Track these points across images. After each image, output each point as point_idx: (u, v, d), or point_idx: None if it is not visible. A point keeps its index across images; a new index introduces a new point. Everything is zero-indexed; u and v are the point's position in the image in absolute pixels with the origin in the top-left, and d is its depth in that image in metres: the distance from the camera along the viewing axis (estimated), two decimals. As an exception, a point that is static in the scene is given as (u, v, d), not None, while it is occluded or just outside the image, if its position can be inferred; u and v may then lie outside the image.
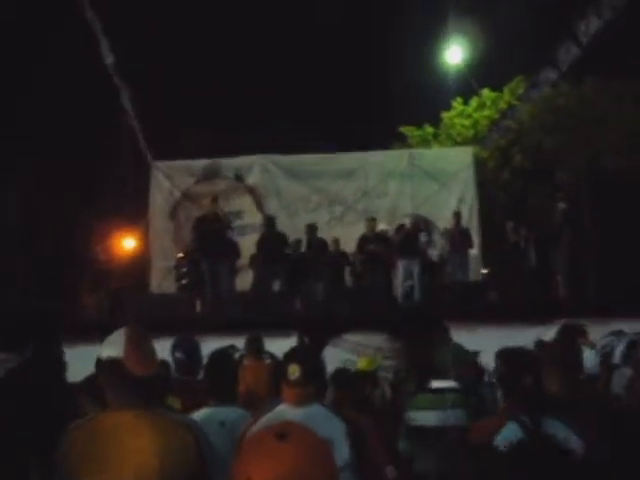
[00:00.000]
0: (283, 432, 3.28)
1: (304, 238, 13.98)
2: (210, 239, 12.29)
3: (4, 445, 4.17)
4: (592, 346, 5.91)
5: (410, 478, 4.70)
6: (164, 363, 5.62)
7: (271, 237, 13.31)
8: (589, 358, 4.90)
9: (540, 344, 4.70)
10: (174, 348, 6.11)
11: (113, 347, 2.90)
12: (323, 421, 3.65)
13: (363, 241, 13.62)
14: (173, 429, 2.81)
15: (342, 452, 3.57)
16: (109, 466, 2.72)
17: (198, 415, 4.06)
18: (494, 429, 3.47)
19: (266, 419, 3.55)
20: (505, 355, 3.82)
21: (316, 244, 13.77)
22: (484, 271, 16.51)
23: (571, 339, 5.26)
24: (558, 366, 4.05)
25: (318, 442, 3.18)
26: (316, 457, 3.18)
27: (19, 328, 10.18)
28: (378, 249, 13.44)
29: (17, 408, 5.36)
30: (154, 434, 2.76)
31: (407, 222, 13.65)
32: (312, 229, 13.98)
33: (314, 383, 3.74)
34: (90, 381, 4.96)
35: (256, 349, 7.35)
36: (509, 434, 3.39)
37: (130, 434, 2.76)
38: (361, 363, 7.20)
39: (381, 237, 13.87)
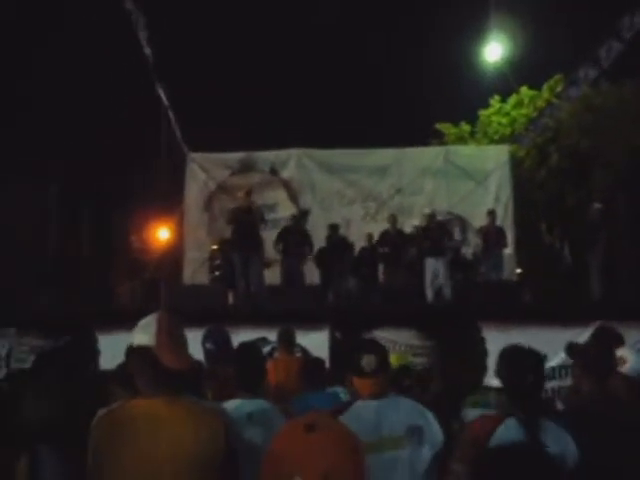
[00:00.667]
0: (311, 424, 3.31)
1: (327, 235, 13.94)
2: (243, 232, 12.32)
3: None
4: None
5: None
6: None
7: (293, 231, 13.36)
8: (629, 358, 4.81)
9: (571, 348, 4.64)
10: (205, 338, 6.17)
11: (145, 334, 2.91)
12: (412, 410, 3.80)
13: (384, 237, 13.61)
14: (204, 417, 2.84)
15: (436, 437, 3.73)
16: (141, 452, 2.74)
17: (227, 406, 4.04)
18: (493, 425, 3.48)
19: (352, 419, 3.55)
20: (509, 354, 3.80)
21: (337, 242, 13.73)
22: (518, 271, 16.37)
23: (606, 343, 5.20)
24: (591, 371, 4.03)
25: (347, 434, 3.22)
26: (345, 448, 3.20)
27: (55, 317, 10.37)
28: (401, 246, 13.43)
29: (43, 391, 5.46)
30: (185, 421, 2.79)
31: (428, 219, 13.50)
32: (334, 229, 13.96)
33: (386, 373, 3.87)
34: (121, 369, 5.03)
35: (288, 342, 7.40)
36: (507, 431, 3.41)
37: (161, 421, 2.79)
38: (391, 359, 7.16)
39: (406, 235, 13.83)
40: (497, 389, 4.96)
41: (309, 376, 5.54)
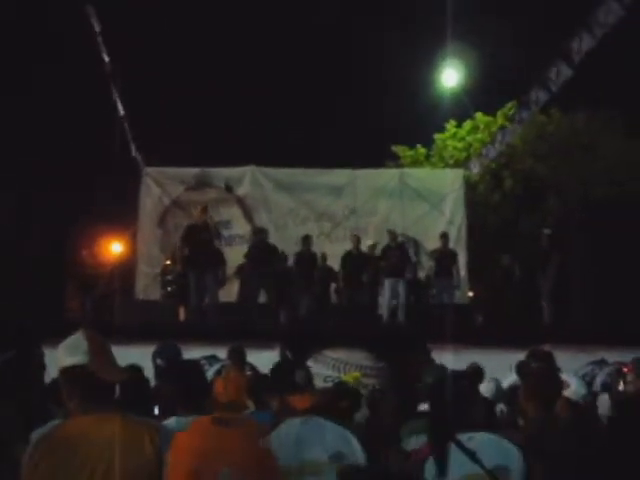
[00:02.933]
0: (221, 418, 3.30)
1: (292, 251, 13.98)
2: (198, 249, 12.25)
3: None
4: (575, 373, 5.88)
5: None
6: (138, 368, 5.58)
7: (260, 248, 13.29)
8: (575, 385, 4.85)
9: (520, 368, 4.66)
10: (156, 354, 6.07)
11: (76, 354, 2.86)
12: (337, 435, 3.78)
13: (347, 258, 13.66)
14: (139, 433, 2.79)
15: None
16: (75, 474, 2.69)
17: (167, 423, 3.97)
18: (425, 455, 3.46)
19: None
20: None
21: (308, 257, 13.77)
22: (470, 294, 16.51)
23: (552, 366, 5.25)
24: (538, 396, 4.03)
25: (258, 427, 3.21)
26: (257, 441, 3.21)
27: (2, 330, 10.13)
28: (362, 266, 13.50)
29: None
30: (118, 437, 2.74)
31: (393, 240, 13.65)
32: (308, 241, 13.98)
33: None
34: (54, 388, 4.93)
35: (239, 359, 7.33)
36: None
37: (94, 439, 2.74)
38: (346, 378, 7.14)
39: (366, 255, 13.92)
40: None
41: (257, 395, 5.48)
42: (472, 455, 2.92)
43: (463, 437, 3.25)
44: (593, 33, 12.23)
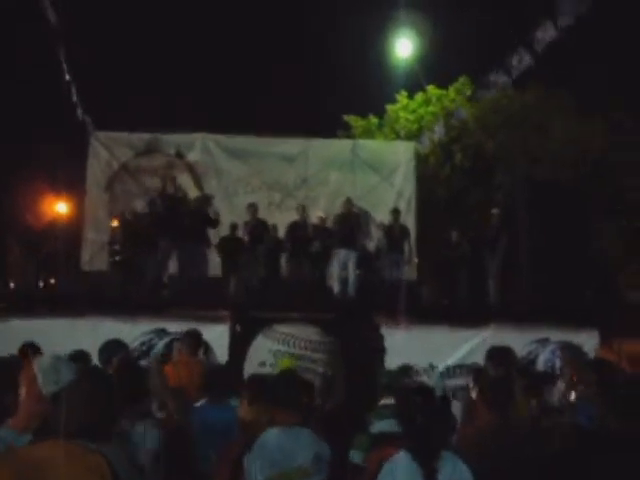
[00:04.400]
0: None
1: (241, 220, 13.90)
2: (168, 218, 12.26)
3: None
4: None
5: None
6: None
7: (197, 216, 13.20)
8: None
9: (476, 373, 4.76)
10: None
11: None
12: (313, 439, 4.06)
13: (293, 228, 13.64)
14: (89, 459, 2.78)
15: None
16: None
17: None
18: (386, 456, 3.57)
19: None
20: (400, 392, 3.92)
21: (256, 224, 13.71)
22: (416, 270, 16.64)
23: (505, 370, 5.36)
24: (489, 401, 4.11)
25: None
26: None
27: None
28: (309, 237, 13.50)
29: None
30: (71, 467, 2.73)
31: (348, 209, 13.65)
32: (253, 208, 13.91)
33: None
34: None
35: (192, 344, 7.30)
36: (398, 461, 3.50)
37: (48, 466, 2.73)
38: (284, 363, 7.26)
39: (316, 226, 13.91)
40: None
41: (211, 387, 5.48)
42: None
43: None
44: (557, 24, 12.33)
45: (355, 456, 4.76)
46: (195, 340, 7.35)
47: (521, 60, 13.46)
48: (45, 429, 2.95)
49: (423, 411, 3.67)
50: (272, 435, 3.88)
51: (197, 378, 5.78)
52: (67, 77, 15.47)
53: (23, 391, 2.88)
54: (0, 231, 16.33)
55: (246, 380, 5.10)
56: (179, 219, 12.53)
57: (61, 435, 2.78)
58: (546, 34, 12.59)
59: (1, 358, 7.99)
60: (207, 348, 9.18)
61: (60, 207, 19.35)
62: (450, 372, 10.00)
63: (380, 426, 4.76)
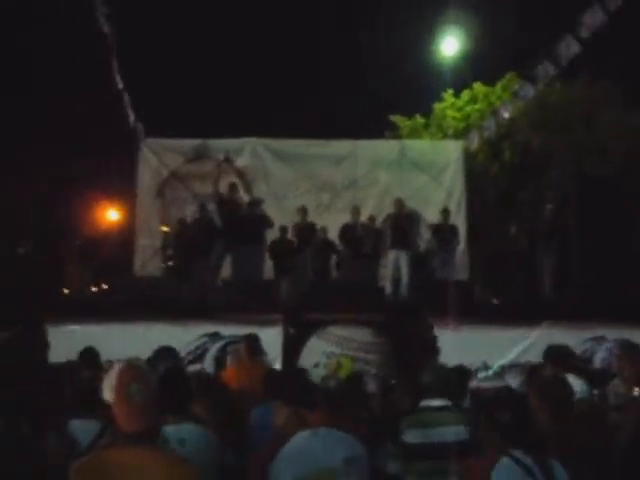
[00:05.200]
0: None
1: (291, 223, 13.96)
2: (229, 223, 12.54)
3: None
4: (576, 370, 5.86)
5: None
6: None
7: (252, 219, 13.28)
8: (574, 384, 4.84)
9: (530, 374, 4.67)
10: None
11: (107, 389, 2.88)
12: (347, 442, 3.98)
13: (346, 230, 13.63)
14: (177, 468, 2.82)
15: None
16: None
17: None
18: (488, 466, 3.46)
19: None
20: (479, 394, 3.84)
21: (304, 227, 13.76)
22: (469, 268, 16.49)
23: (560, 367, 5.26)
24: (546, 401, 4.01)
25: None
26: None
27: (5, 309, 10.15)
28: (362, 238, 13.47)
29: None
30: (162, 475, 2.76)
31: (400, 209, 13.57)
32: (303, 211, 13.99)
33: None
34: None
35: (252, 348, 7.37)
36: (504, 470, 3.39)
37: (135, 471, 2.75)
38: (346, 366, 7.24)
39: (367, 227, 13.88)
40: (450, 407, 4.94)
41: (273, 388, 5.48)
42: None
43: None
44: (606, 8, 12.04)
45: (392, 466, 4.70)
46: (255, 343, 7.44)
47: (568, 48, 13.08)
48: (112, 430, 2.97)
49: (509, 407, 3.59)
50: (301, 437, 3.85)
51: (257, 381, 5.81)
52: (118, 84, 15.67)
53: (109, 396, 2.88)
54: (57, 241, 16.63)
55: (284, 383, 5.07)
56: (234, 223, 12.65)
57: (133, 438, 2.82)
58: (595, 18, 12.25)
59: (56, 363, 8.17)
60: (261, 351, 9.25)
61: (112, 214, 19.64)
62: (505, 371, 9.89)
63: (437, 433, 4.64)
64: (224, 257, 12.56)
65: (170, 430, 4.01)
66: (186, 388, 4.44)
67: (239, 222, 13.01)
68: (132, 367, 2.95)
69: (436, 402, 4.88)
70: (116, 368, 2.92)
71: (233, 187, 13.68)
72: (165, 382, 4.50)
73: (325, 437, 3.84)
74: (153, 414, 2.93)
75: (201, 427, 4.23)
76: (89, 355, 6.88)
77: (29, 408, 4.93)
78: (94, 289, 15.94)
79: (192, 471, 2.82)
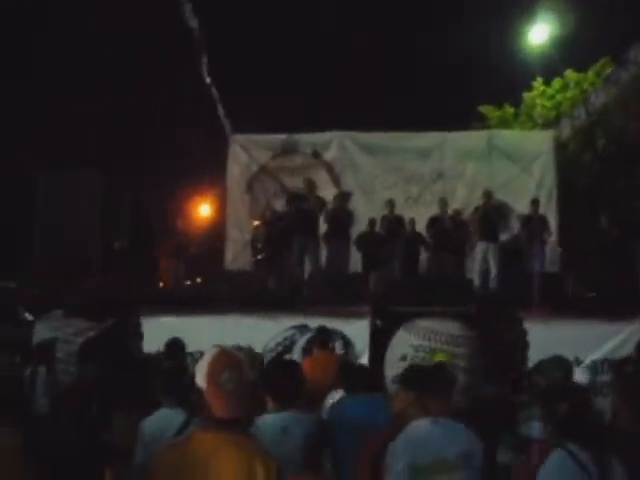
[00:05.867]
0: None
1: (380, 215, 13.97)
2: (304, 218, 12.58)
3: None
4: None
5: None
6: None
7: (338, 214, 13.34)
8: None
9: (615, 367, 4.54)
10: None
11: (200, 373, 2.91)
12: (466, 435, 3.97)
13: (434, 222, 13.58)
14: (257, 459, 2.80)
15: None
16: None
17: (260, 421, 4.02)
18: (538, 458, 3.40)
19: None
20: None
21: (393, 221, 13.76)
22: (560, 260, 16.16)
23: None
24: (628, 397, 3.87)
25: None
26: None
27: (102, 300, 10.54)
28: (450, 231, 13.39)
29: (94, 373, 5.60)
30: (239, 462, 2.77)
31: (489, 201, 13.41)
32: (391, 204, 14.00)
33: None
34: (170, 375, 5.13)
35: (322, 340, 7.48)
36: (553, 464, 3.32)
37: (217, 461, 2.78)
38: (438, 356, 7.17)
39: (455, 219, 13.80)
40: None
41: (347, 379, 5.53)
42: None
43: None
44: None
45: (503, 456, 4.62)
46: (324, 336, 7.53)
47: None
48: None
49: (569, 399, 3.51)
50: (421, 425, 3.81)
51: (331, 372, 5.89)
52: (206, 80, 15.95)
53: (201, 381, 2.95)
54: (153, 236, 17.07)
55: (402, 370, 5.07)
56: (312, 218, 12.71)
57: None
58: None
59: (146, 354, 8.43)
60: (347, 343, 9.32)
61: (204, 210, 20.04)
62: (597, 367, 9.66)
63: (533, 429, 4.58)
64: (305, 251, 12.58)
65: (272, 418, 4.15)
66: (294, 376, 4.48)
67: (316, 216, 13.11)
68: (225, 354, 2.97)
69: None
70: (209, 354, 2.95)
71: (310, 183, 13.48)
72: (273, 369, 4.65)
73: (445, 427, 3.81)
74: (245, 402, 2.94)
75: (304, 414, 4.32)
76: (174, 346, 7.11)
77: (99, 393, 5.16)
78: (188, 282, 16.27)
79: (272, 464, 2.80)
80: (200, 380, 2.90)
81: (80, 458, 4.09)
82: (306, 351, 8.87)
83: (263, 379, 4.39)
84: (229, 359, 2.95)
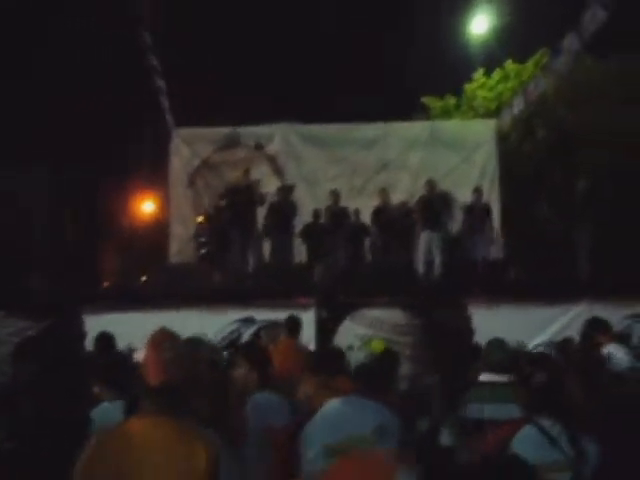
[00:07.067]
0: None
1: (324, 207, 13.95)
2: (241, 210, 12.44)
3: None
4: (618, 340, 5.79)
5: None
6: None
7: (281, 207, 13.29)
8: (616, 354, 4.76)
9: (562, 346, 4.59)
10: None
11: (142, 352, 2.94)
12: (378, 410, 3.97)
13: (377, 213, 13.61)
14: (189, 442, 2.76)
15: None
16: (124, 476, 2.71)
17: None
18: (510, 434, 3.39)
19: None
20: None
21: (337, 212, 13.76)
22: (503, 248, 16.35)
23: (593, 341, 5.17)
24: (578, 372, 3.92)
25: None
26: None
27: (41, 299, 10.31)
28: (395, 221, 13.44)
29: (32, 374, 5.45)
30: (170, 447, 2.73)
31: (432, 191, 13.48)
32: (335, 195, 13.95)
33: None
34: (107, 368, 5.03)
35: (293, 328, 7.54)
36: (524, 439, 3.32)
37: (147, 445, 2.74)
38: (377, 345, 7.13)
39: (399, 209, 13.85)
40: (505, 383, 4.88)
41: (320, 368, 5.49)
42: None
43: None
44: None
45: (446, 438, 4.63)
46: (296, 325, 7.58)
47: (594, 17, 12.60)
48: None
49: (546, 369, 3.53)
50: (333, 405, 3.84)
51: (299, 358, 5.89)
52: (155, 73, 15.63)
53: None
54: (95, 234, 16.82)
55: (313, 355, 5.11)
56: (252, 211, 12.65)
57: None
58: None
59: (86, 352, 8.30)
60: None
61: (148, 205, 19.79)
62: (540, 349, 9.79)
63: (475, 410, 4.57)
64: (247, 244, 12.51)
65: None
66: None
67: (254, 209, 13.05)
68: (168, 331, 3.03)
69: (497, 377, 4.77)
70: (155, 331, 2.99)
71: (246, 171, 13.56)
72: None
73: (356, 404, 3.84)
74: (180, 373, 2.91)
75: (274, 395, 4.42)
76: (104, 340, 7.00)
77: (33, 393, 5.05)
78: (132, 278, 16.07)
79: (210, 449, 2.76)
80: (142, 354, 2.94)
81: (16, 459, 3.98)
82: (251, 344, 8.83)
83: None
84: (172, 335, 3.01)
